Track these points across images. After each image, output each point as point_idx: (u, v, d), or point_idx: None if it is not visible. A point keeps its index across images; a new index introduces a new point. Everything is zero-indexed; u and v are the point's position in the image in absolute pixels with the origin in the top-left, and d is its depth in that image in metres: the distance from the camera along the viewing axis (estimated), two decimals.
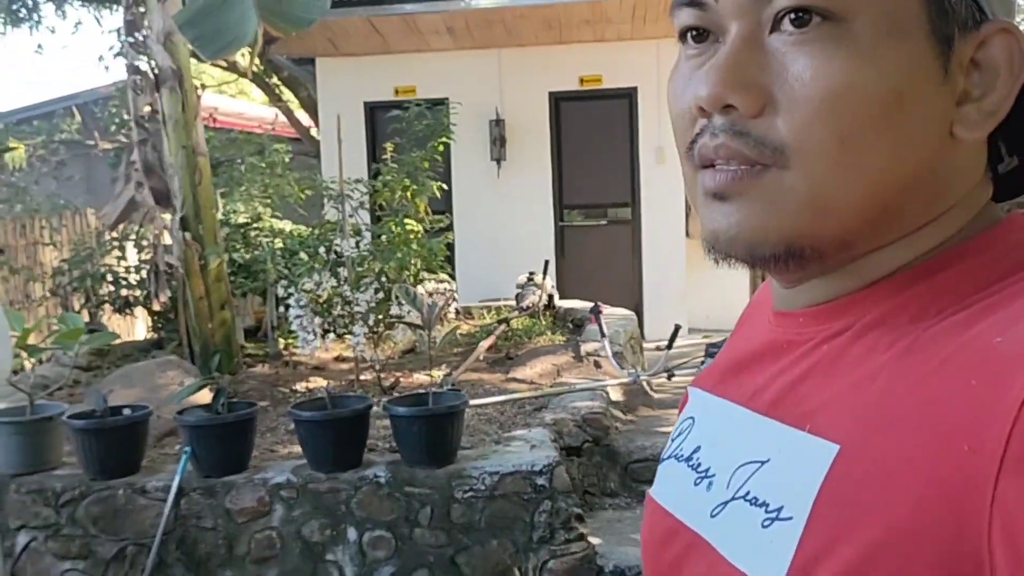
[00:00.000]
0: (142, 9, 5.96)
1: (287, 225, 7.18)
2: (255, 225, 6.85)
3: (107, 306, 6.51)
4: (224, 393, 4.05)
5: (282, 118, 13.65)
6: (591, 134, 9.33)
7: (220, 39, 3.93)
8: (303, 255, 5.43)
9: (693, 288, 9.12)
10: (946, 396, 0.48)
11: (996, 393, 0.46)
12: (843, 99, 0.53)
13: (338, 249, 5.36)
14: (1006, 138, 0.61)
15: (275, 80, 13.39)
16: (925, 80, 0.54)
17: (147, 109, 6.07)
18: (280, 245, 6.41)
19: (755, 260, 0.59)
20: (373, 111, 9.60)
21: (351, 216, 5.73)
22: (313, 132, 12.59)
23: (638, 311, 8.70)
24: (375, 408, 4.27)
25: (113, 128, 12.79)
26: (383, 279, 5.46)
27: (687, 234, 9.20)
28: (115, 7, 13.71)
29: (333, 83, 9.58)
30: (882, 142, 0.54)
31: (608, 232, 9.49)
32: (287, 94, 13.62)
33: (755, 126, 0.55)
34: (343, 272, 5.29)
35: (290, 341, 6.73)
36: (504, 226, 9.09)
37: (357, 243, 5.49)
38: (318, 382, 5.98)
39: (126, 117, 12.96)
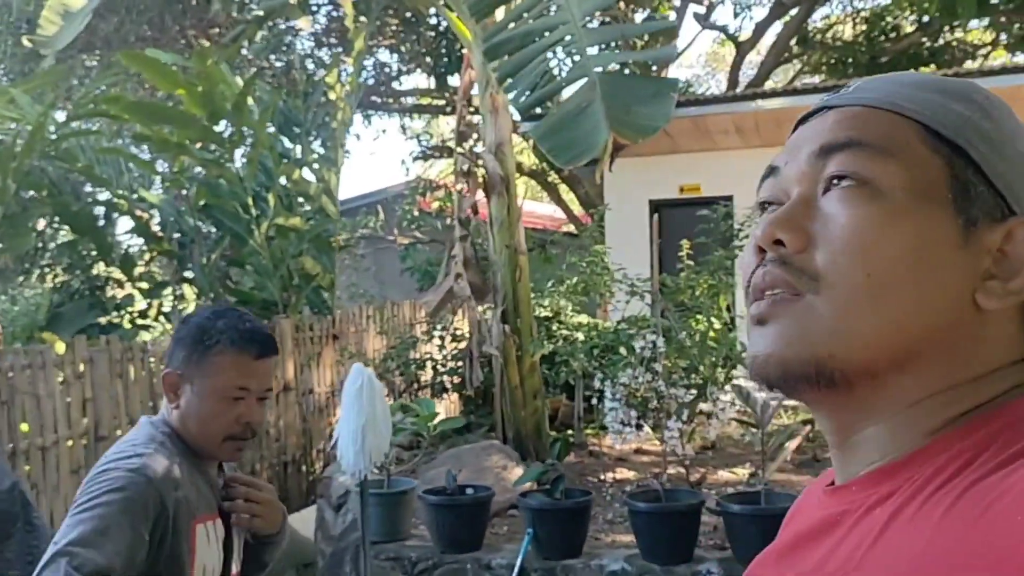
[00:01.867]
0: (474, 120, 6.60)
1: (584, 319, 7.51)
2: (559, 319, 7.22)
3: (425, 390, 7.07)
4: (563, 480, 4.29)
5: (561, 214, 14.33)
6: None
7: (573, 149, 4.28)
8: (622, 350, 5.67)
9: None
10: (996, 535, 0.51)
11: None
12: (869, 243, 0.62)
13: (651, 345, 5.55)
14: None
15: (553, 178, 14.14)
16: (943, 242, 0.62)
17: (470, 211, 6.67)
18: (582, 338, 6.72)
19: (788, 380, 0.64)
20: (658, 208, 9.88)
21: (661, 312, 5.94)
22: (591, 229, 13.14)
23: None
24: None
25: (406, 223, 13.97)
26: (693, 376, 5.58)
27: None
28: (416, 116, 15.14)
29: (619, 182, 9.95)
30: (903, 287, 0.61)
31: None
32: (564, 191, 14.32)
33: (797, 259, 0.65)
34: (656, 367, 5.47)
35: (588, 432, 6.97)
36: None
37: (667, 339, 5.66)
38: (624, 473, 6.15)
39: (416, 214, 14.13)
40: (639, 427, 5.51)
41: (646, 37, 10.65)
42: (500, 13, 5.54)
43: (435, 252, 12.09)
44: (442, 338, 7.20)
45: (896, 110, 0.67)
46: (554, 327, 7.31)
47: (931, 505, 0.58)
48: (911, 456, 0.63)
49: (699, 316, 6.42)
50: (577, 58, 4.25)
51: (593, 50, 4.42)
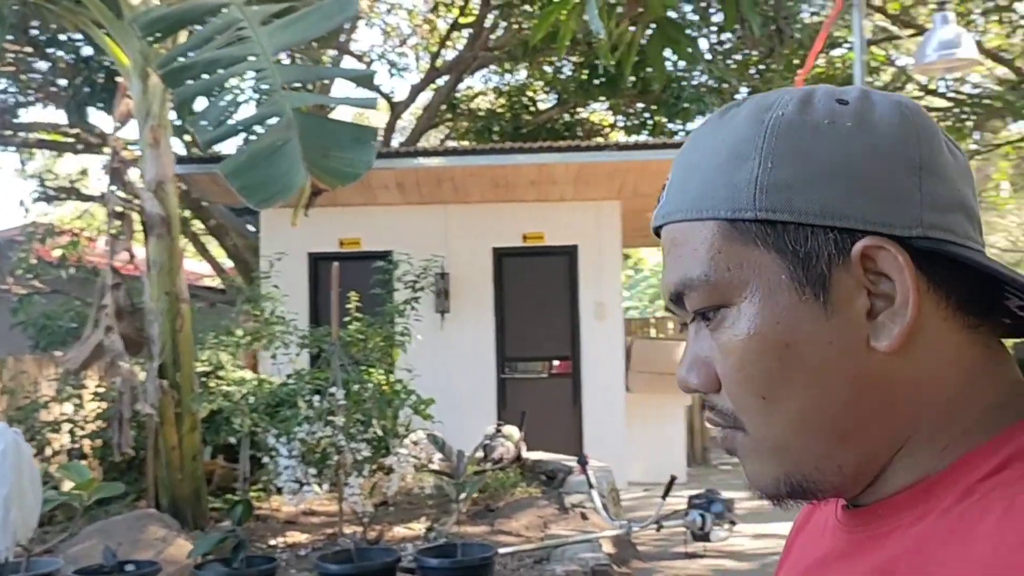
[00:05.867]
0: (130, 156, 5.99)
1: (248, 374, 7.07)
2: (218, 374, 6.72)
3: (59, 457, 6.18)
4: (245, 547, 3.91)
5: (208, 268, 13.52)
6: (533, 289, 9.64)
7: (267, 189, 4.02)
8: (300, 404, 5.35)
9: (631, 442, 9.31)
10: None
11: None
12: (746, 369, 0.62)
13: (330, 399, 5.32)
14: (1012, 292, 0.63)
15: (196, 229, 13.34)
16: (807, 321, 0.61)
17: (125, 255, 6.01)
18: (244, 394, 6.29)
19: (774, 500, 0.66)
20: (316, 261, 9.67)
21: (340, 365, 5.72)
22: (239, 282, 12.51)
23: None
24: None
25: (21, 272, 12.38)
26: (373, 429, 5.43)
27: (627, 388, 9.47)
28: (35, 152, 13.55)
29: (277, 233, 9.62)
30: (793, 385, 0.61)
31: (549, 384, 9.69)
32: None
33: (717, 400, 0.65)
34: (337, 421, 5.24)
35: (253, 494, 6.51)
36: (448, 377, 9.13)
37: (347, 392, 5.47)
38: (295, 536, 5.79)
39: (33, 262, 12.61)
40: (316, 485, 5.24)
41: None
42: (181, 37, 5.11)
43: (54, 305, 10.79)
44: (80, 398, 6.36)
45: (697, 217, 0.64)
46: (212, 383, 6.79)
47: (977, 515, 0.56)
48: (936, 479, 0.61)
49: (372, 369, 6.31)
50: (261, 94, 4.00)
51: (287, 88, 4.20)
